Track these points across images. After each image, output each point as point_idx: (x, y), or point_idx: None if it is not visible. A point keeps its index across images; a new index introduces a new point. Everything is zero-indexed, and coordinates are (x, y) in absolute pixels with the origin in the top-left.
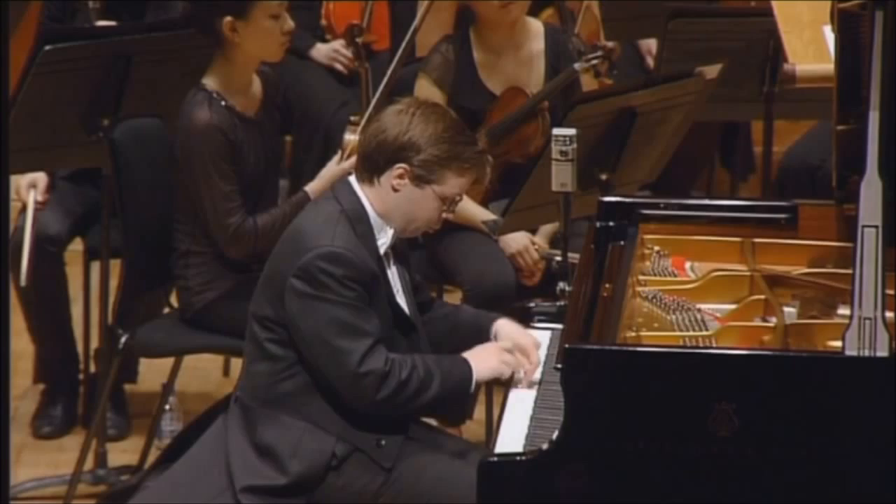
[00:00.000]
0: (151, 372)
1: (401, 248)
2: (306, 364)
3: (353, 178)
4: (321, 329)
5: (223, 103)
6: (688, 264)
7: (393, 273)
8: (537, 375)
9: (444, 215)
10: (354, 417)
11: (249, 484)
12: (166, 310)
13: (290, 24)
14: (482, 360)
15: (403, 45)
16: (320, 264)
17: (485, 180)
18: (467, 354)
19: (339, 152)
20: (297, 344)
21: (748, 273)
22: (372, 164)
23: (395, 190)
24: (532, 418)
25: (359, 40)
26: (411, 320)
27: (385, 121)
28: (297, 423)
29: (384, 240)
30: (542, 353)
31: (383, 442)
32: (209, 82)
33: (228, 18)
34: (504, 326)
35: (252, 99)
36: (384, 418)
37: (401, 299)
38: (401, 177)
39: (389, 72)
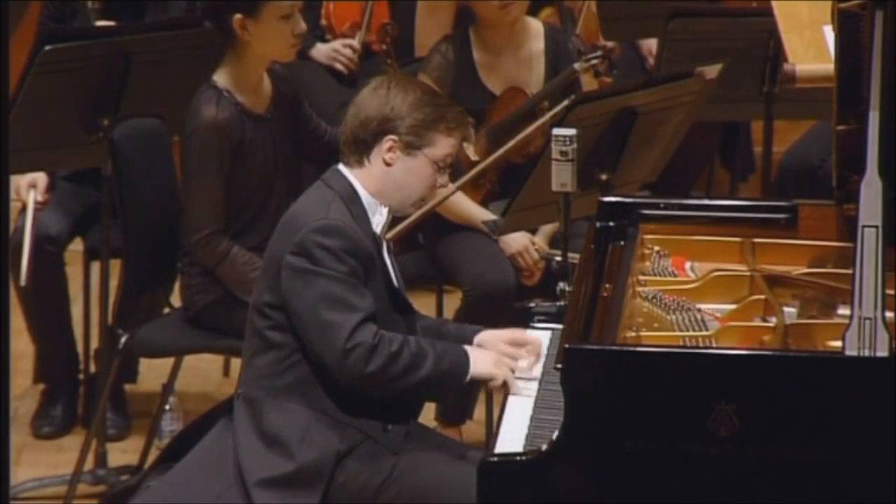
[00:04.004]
0: (151, 372)
1: (389, 244)
2: (306, 349)
3: (341, 165)
4: (314, 303)
5: (232, 100)
6: (688, 264)
7: (386, 256)
8: (537, 372)
9: (438, 182)
10: (360, 404)
11: (261, 477)
12: (166, 310)
13: (301, 25)
14: (479, 356)
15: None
16: (315, 238)
17: (471, 140)
18: (467, 347)
19: None
20: (292, 322)
21: (748, 273)
22: (359, 145)
23: (388, 164)
24: (532, 418)
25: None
26: (406, 299)
27: (362, 101)
28: (303, 410)
29: (379, 219)
30: (542, 353)
31: (389, 427)
32: (220, 79)
33: (238, 16)
34: (487, 334)
35: (262, 97)
36: (390, 405)
37: (394, 279)
38: (391, 149)
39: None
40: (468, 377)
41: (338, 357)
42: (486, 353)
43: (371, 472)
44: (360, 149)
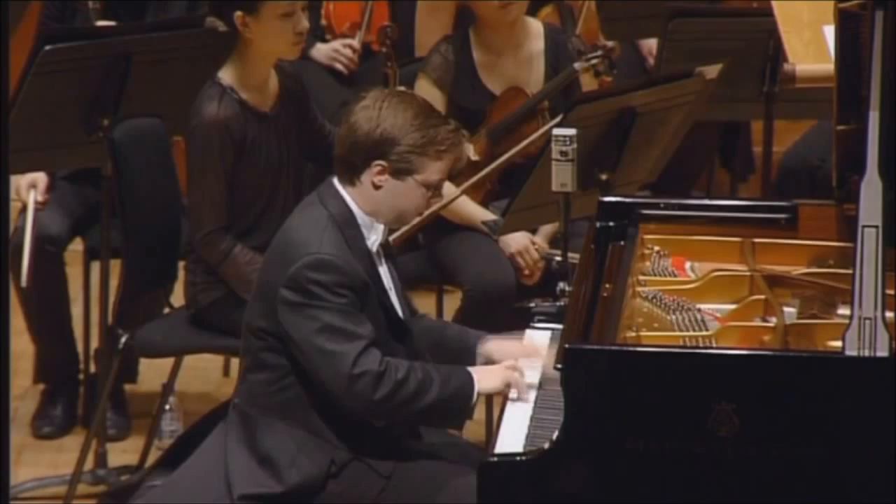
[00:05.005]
0: (151, 372)
1: (389, 248)
2: (303, 374)
3: (336, 180)
4: (314, 336)
5: (236, 98)
6: (688, 264)
7: (384, 272)
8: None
9: (430, 201)
10: (353, 428)
11: (247, 492)
12: (166, 310)
13: (304, 23)
14: (485, 374)
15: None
16: (308, 273)
17: (463, 158)
18: (470, 368)
19: None
20: (293, 353)
21: (748, 273)
22: (349, 166)
23: (377, 187)
24: (532, 418)
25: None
26: (404, 323)
27: (354, 121)
28: (296, 432)
29: (375, 237)
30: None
31: (381, 452)
32: (224, 76)
33: (239, 13)
34: (494, 344)
35: (267, 94)
36: (382, 430)
37: (393, 298)
38: (380, 173)
39: None
40: (475, 398)
41: (345, 385)
42: (491, 370)
43: (369, 481)
44: (351, 170)
